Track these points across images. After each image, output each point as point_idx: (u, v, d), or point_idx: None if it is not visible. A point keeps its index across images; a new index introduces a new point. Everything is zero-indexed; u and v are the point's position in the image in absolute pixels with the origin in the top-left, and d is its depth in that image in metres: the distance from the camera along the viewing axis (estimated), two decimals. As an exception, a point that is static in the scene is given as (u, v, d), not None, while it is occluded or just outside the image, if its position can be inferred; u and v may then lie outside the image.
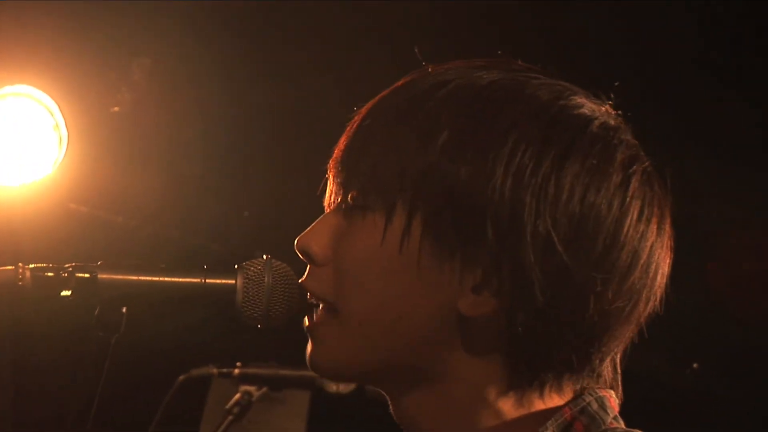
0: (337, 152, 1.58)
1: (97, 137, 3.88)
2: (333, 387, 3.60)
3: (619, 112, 1.55)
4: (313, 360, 1.58)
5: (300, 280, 1.62)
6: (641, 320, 1.53)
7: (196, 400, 4.42)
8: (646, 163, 1.52)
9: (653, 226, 1.50)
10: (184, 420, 4.24)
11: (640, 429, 1.46)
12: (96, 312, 1.65)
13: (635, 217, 1.47)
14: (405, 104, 1.52)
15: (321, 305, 1.58)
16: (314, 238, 1.57)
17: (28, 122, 3.71)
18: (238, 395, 3.43)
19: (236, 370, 3.46)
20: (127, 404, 3.69)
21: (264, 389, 3.46)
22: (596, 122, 1.50)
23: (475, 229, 1.44)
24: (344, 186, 1.56)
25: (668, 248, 1.53)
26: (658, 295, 1.53)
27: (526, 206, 1.43)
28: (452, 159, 1.46)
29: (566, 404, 1.49)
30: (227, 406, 3.42)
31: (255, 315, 1.66)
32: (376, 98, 1.58)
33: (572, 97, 1.51)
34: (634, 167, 1.49)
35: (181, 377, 3.46)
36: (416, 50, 1.63)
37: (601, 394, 1.51)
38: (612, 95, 1.57)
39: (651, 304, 1.52)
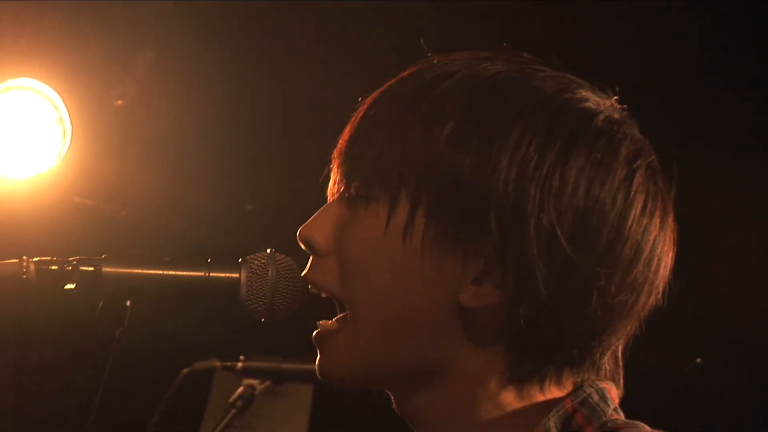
0: (341, 142, 1.58)
1: (101, 130, 3.88)
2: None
3: (624, 106, 1.55)
4: (323, 369, 1.58)
5: (303, 273, 1.62)
6: (643, 314, 1.53)
7: (200, 393, 4.42)
8: (651, 158, 1.52)
9: (656, 220, 1.50)
10: (187, 413, 4.24)
11: (642, 422, 1.46)
12: (100, 305, 1.65)
13: (639, 211, 1.47)
14: (410, 94, 1.52)
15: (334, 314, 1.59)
16: (317, 228, 1.57)
17: (32, 115, 3.71)
18: (241, 389, 3.44)
19: (239, 364, 3.47)
20: (131, 397, 3.70)
21: (267, 383, 3.46)
22: (601, 116, 1.50)
23: (478, 220, 1.45)
24: (348, 176, 1.55)
25: (671, 242, 1.53)
26: (660, 288, 1.53)
27: (530, 198, 1.43)
28: (457, 149, 1.46)
29: (567, 396, 1.49)
30: (230, 400, 3.42)
31: (259, 308, 1.66)
32: (381, 88, 1.58)
33: (577, 90, 1.52)
34: (639, 162, 1.49)
35: (185, 370, 3.46)
36: (422, 42, 1.63)
37: (601, 386, 1.51)
38: (616, 89, 1.57)
39: (653, 297, 1.52)
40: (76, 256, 1.66)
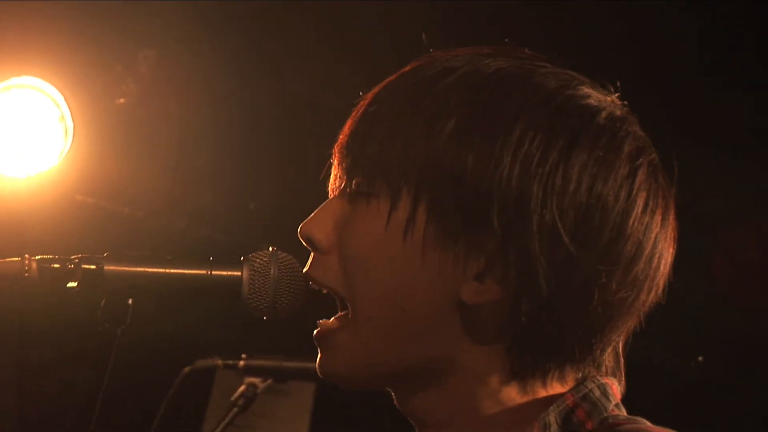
0: (342, 137, 1.58)
1: (103, 129, 3.89)
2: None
3: (626, 102, 1.55)
4: (325, 368, 1.58)
5: (304, 269, 1.62)
6: (643, 310, 1.53)
7: (201, 391, 4.42)
8: (653, 155, 1.52)
9: (658, 218, 1.50)
10: (189, 411, 4.25)
11: (644, 418, 1.46)
12: (102, 303, 1.65)
13: (641, 208, 1.47)
14: (412, 90, 1.52)
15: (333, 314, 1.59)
16: (317, 224, 1.58)
17: (34, 114, 3.71)
18: (243, 387, 3.43)
19: (241, 362, 3.46)
20: (133, 395, 3.70)
21: (269, 381, 3.45)
22: (603, 113, 1.50)
23: (480, 216, 1.45)
24: (349, 171, 1.55)
25: (672, 239, 1.53)
26: (661, 285, 1.53)
27: (532, 195, 1.43)
28: (459, 146, 1.46)
29: (568, 391, 1.50)
30: (232, 398, 3.42)
31: (261, 306, 1.66)
32: (383, 83, 1.57)
33: (579, 87, 1.52)
34: (641, 159, 1.49)
35: (186, 369, 3.46)
36: (423, 37, 1.63)
37: (603, 381, 1.51)
38: (618, 85, 1.57)
39: (653, 294, 1.52)
40: (77, 254, 1.66)
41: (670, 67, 3.78)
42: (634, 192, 1.47)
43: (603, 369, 1.53)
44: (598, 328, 1.48)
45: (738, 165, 3.86)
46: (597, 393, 1.49)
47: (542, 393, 1.50)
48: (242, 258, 1.68)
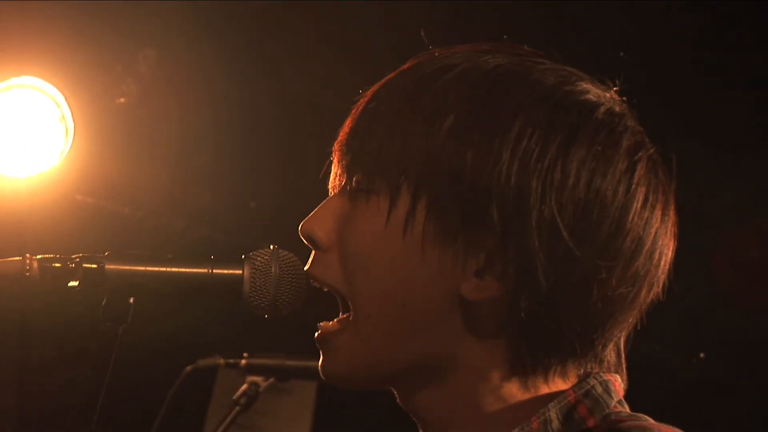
0: (341, 135, 1.58)
1: (104, 128, 3.89)
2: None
3: (624, 98, 1.55)
4: (327, 370, 1.58)
5: (305, 267, 1.62)
6: (644, 306, 1.53)
7: (203, 390, 4.43)
8: (651, 150, 1.52)
9: (657, 213, 1.50)
10: (191, 411, 4.25)
11: (646, 415, 1.46)
12: (103, 303, 1.65)
13: (640, 203, 1.48)
14: (411, 87, 1.53)
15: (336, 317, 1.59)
16: (318, 222, 1.58)
17: (35, 114, 3.71)
18: (244, 386, 3.43)
19: (243, 361, 3.46)
20: (134, 395, 3.70)
21: (271, 380, 3.45)
22: (602, 108, 1.50)
23: (479, 212, 1.45)
24: (349, 169, 1.56)
25: (672, 235, 1.53)
26: (662, 281, 1.53)
27: (532, 191, 1.44)
28: (458, 142, 1.46)
29: (570, 388, 1.49)
30: (234, 397, 3.41)
31: (262, 305, 1.66)
32: (382, 81, 1.58)
33: (578, 83, 1.52)
34: (640, 154, 1.49)
35: (188, 368, 3.46)
36: (422, 35, 1.63)
37: (605, 378, 1.51)
38: (617, 81, 1.57)
39: (654, 290, 1.53)
40: (78, 253, 1.65)
41: (670, 65, 3.78)
42: (633, 187, 1.47)
43: (605, 365, 1.53)
44: (599, 324, 1.48)
45: (738, 164, 3.86)
46: (599, 389, 1.49)
47: (544, 389, 1.50)
48: (243, 256, 1.68)
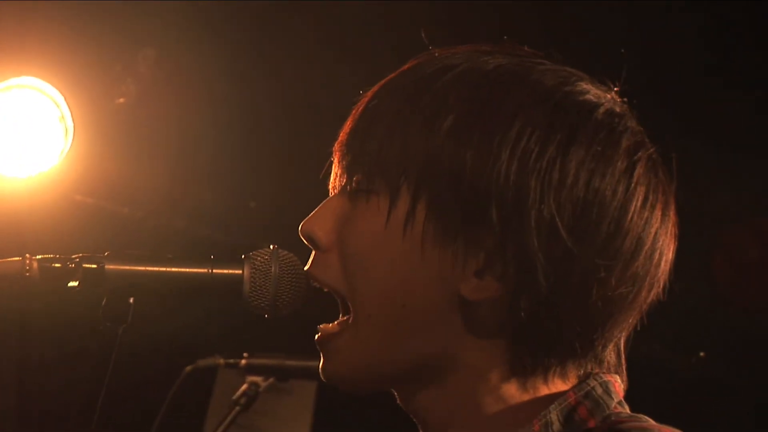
0: (342, 135, 1.58)
1: (103, 129, 3.89)
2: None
3: (625, 99, 1.56)
4: (328, 372, 1.58)
5: (305, 267, 1.62)
6: (644, 306, 1.53)
7: (203, 390, 4.43)
8: (651, 150, 1.52)
9: (657, 213, 1.50)
10: (191, 410, 4.25)
11: (646, 416, 1.46)
12: (103, 303, 1.64)
13: (639, 203, 1.47)
14: (411, 87, 1.53)
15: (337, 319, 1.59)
16: (318, 222, 1.58)
17: (34, 114, 3.71)
18: (244, 386, 3.43)
19: (243, 361, 3.46)
20: (134, 394, 3.70)
21: (271, 380, 3.45)
22: (601, 109, 1.50)
23: (479, 213, 1.45)
24: (349, 169, 1.56)
25: (672, 235, 1.53)
26: (662, 281, 1.53)
27: (530, 191, 1.44)
28: (458, 142, 1.46)
29: (570, 389, 1.49)
30: (234, 397, 3.41)
31: (262, 305, 1.66)
32: (382, 81, 1.58)
33: (578, 83, 1.52)
34: (639, 154, 1.49)
35: (188, 368, 3.46)
36: (422, 35, 1.63)
37: (605, 378, 1.51)
38: (617, 82, 1.57)
39: (654, 290, 1.52)
40: (78, 254, 1.65)
41: (670, 65, 3.78)
42: (632, 187, 1.47)
43: (605, 365, 1.53)
44: (599, 324, 1.48)
45: (738, 164, 3.86)
46: (599, 390, 1.49)
47: (544, 390, 1.50)
48: (243, 256, 1.68)
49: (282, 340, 3.23)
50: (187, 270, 1.66)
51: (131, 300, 1.65)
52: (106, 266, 1.64)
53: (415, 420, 1.58)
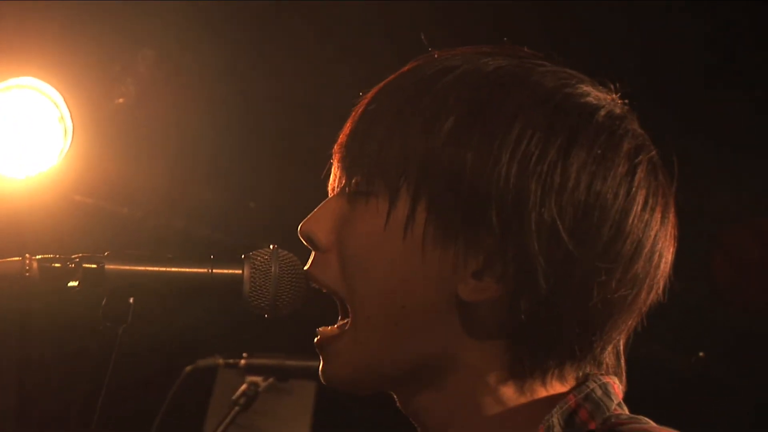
0: (342, 137, 1.58)
1: (102, 129, 3.89)
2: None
3: (626, 101, 1.55)
4: (327, 374, 1.58)
5: (305, 267, 1.62)
6: (644, 309, 1.53)
7: (203, 390, 4.43)
8: (652, 153, 1.52)
9: (657, 216, 1.50)
10: (191, 410, 4.25)
11: (646, 416, 1.46)
12: (103, 303, 1.64)
13: (640, 206, 1.48)
14: (411, 89, 1.52)
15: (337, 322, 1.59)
16: (317, 223, 1.58)
17: (34, 114, 3.71)
18: (244, 386, 3.43)
19: (242, 361, 3.46)
20: (134, 394, 3.70)
21: (270, 380, 3.46)
22: (602, 111, 1.50)
23: (479, 215, 1.45)
24: (348, 170, 1.56)
25: (672, 237, 1.53)
26: (661, 283, 1.53)
27: (531, 193, 1.43)
28: (458, 144, 1.46)
29: (570, 391, 1.49)
30: (233, 397, 3.42)
31: (262, 305, 1.66)
32: (382, 83, 1.58)
33: (578, 85, 1.52)
34: (640, 157, 1.49)
35: (188, 368, 3.46)
36: (422, 37, 1.63)
37: (604, 380, 1.51)
38: (618, 84, 1.57)
39: (654, 292, 1.53)
40: (78, 254, 1.65)
41: (671, 66, 3.78)
42: (633, 190, 1.47)
43: (603, 367, 1.53)
44: (598, 326, 1.48)
45: (738, 164, 3.86)
46: (599, 392, 1.49)
47: (542, 392, 1.50)
48: (243, 256, 1.67)
49: (282, 340, 3.23)
50: (187, 270, 1.66)
51: (131, 300, 1.64)
52: (106, 266, 1.63)
53: (414, 422, 1.59)
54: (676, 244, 1.54)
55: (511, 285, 1.45)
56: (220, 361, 3.47)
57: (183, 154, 4.14)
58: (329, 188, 1.62)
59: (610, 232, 1.45)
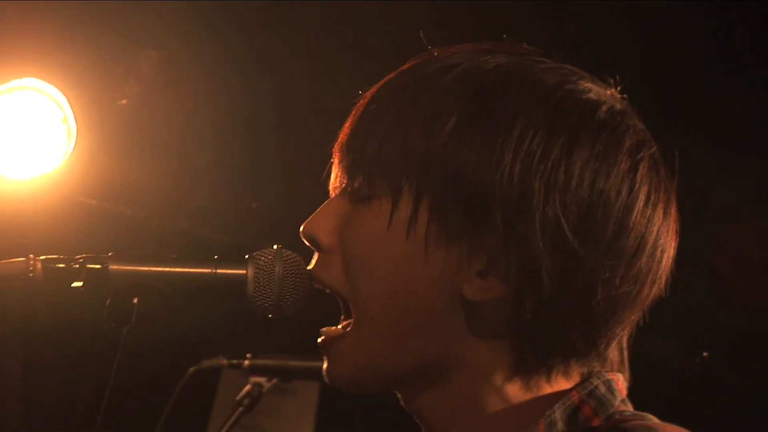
0: (342, 136, 1.58)
1: (106, 130, 3.89)
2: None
3: (625, 96, 1.55)
4: (332, 375, 1.58)
5: (308, 267, 1.62)
6: (646, 304, 1.53)
7: (207, 391, 4.43)
8: (653, 149, 1.52)
9: (660, 211, 1.50)
10: (195, 411, 4.25)
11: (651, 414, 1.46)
12: (107, 303, 1.64)
13: (643, 202, 1.48)
14: (411, 88, 1.52)
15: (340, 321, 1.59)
16: (319, 224, 1.58)
17: (37, 115, 3.72)
18: (248, 386, 3.43)
19: (246, 362, 3.46)
20: (138, 395, 3.70)
21: (274, 380, 3.45)
22: (604, 107, 1.50)
23: (482, 214, 1.45)
24: (350, 170, 1.56)
25: (674, 232, 1.53)
26: (664, 278, 1.53)
27: (535, 192, 1.43)
28: (460, 144, 1.46)
29: (574, 388, 1.49)
30: (237, 398, 3.41)
31: (266, 305, 1.66)
32: (382, 82, 1.57)
33: (579, 82, 1.52)
34: (642, 153, 1.49)
35: (192, 369, 3.46)
36: (421, 35, 1.63)
37: (608, 377, 1.51)
38: (618, 78, 1.57)
39: (656, 287, 1.52)
40: (82, 254, 1.65)
41: (671, 64, 3.78)
42: (636, 186, 1.47)
43: (608, 363, 1.53)
44: (602, 323, 1.48)
45: (739, 164, 3.86)
46: (603, 389, 1.49)
47: (547, 389, 1.50)
48: (247, 256, 1.67)
49: (285, 341, 3.23)
50: (191, 270, 1.65)
51: (135, 300, 1.64)
52: (110, 266, 1.63)
53: (418, 421, 1.58)
54: (677, 239, 1.54)
55: (515, 284, 1.45)
56: (224, 361, 3.47)
57: (186, 155, 4.14)
58: (330, 188, 1.62)
59: (613, 229, 1.45)
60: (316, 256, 1.61)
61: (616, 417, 1.45)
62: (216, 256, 1.67)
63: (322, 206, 1.60)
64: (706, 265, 4.12)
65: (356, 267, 1.53)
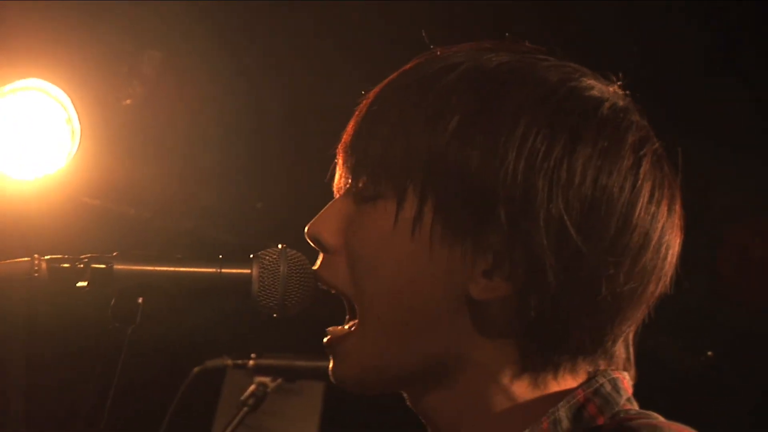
0: (345, 137, 1.58)
1: (110, 130, 3.89)
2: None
3: (628, 92, 1.55)
4: (337, 374, 1.58)
5: (314, 268, 1.62)
6: (652, 301, 1.53)
7: (211, 391, 4.43)
8: (656, 145, 1.52)
9: (664, 208, 1.50)
10: (199, 411, 4.26)
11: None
12: (112, 303, 1.64)
13: (646, 199, 1.48)
14: (414, 87, 1.52)
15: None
16: (324, 224, 1.58)
17: (41, 116, 3.72)
18: (252, 386, 3.43)
19: (251, 362, 3.46)
20: (142, 395, 3.71)
21: (279, 380, 3.45)
22: (606, 104, 1.50)
23: (486, 213, 1.45)
24: (353, 171, 1.56)
25: (678, 228, 1.53)
26: (669, 275, 1.53)
27: (538, 190, 1.43)
28: (463, 143, 1.46)
29: (579, 386, 1.49)
30: (242, 398, 3.42)
31: (271, 304, 1.66)
32: (384, 82, 1.58)
33: (582, 79, 1.52)
34: (645, 149, 1.49)
35: (196, 368, 3.46)
36: (424, 35, 1.63)
37: (614, 375, 1.51)
38: (621, 75, 1.57)
39: (662, 284, 1.52)
40: (86, 254, 1.65)
41: (671, 63, 3.78)
42: (639, 183, 1.47)
43: (615, 361, 1.53)
44: (608, 320, 1.48)
45: (739, 164, 3.86)
46: (608, 387, 1.49)
47: (554, 387, 1.50)
48: (252, 256, 1.67)
49: (290, 341, 3.23)
50: (196, 270, 1.65)
51: (140, 300, 1.64)
52: (115, 266, 1.64)
53: (424, 421, 1.59)
54: (682, 236, 1.54)
55: (520, 282, 1.45)
56: (229, 361, 3.47)
57: (190, 155, 4.14)
58: (334, 189, 1.62)
59: (617, 226, 1.45)
60: (321, 257, 1.61)
61: (621, 416, 1.46)
62: (221, 256, 1.67)
63: (326, 207, 1.60)
64: (706, 265, 4.12)
65: (361, 267, 1.53)
